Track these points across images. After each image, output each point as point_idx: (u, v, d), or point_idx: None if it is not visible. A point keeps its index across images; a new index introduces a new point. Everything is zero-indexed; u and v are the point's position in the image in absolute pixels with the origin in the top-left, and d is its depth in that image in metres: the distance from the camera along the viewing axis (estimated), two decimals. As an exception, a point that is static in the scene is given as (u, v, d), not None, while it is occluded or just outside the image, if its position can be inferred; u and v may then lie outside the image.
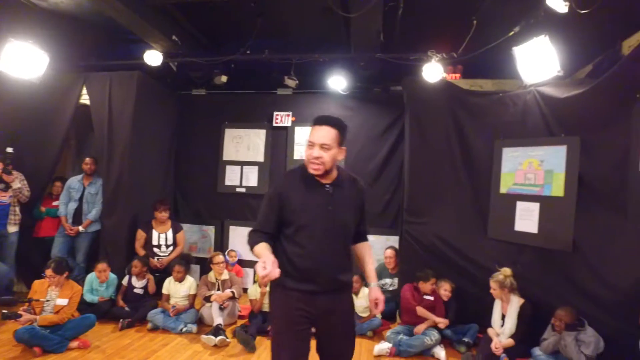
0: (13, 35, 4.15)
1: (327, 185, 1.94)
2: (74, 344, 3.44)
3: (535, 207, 3.71)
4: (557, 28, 3.51)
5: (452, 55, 4.39)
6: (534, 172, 3.78)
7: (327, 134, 1.88)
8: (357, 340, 3.82)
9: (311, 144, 1.90)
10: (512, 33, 3.90)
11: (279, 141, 5.58)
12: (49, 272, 3.50)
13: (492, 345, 3.35)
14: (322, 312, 1.93)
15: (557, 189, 3.56)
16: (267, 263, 1.65)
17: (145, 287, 4.31)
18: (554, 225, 3.53)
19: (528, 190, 3.81)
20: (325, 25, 4.62)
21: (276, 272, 1.65)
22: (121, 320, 3.97)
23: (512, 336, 3.41)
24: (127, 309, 4.16)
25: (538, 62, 3.61)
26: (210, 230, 5.60)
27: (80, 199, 4.77)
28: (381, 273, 4.71)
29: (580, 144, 3.40)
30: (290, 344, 1.90)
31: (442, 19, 4.41)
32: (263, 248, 1.81)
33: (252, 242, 1.88)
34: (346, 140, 1.96)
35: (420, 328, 3.70)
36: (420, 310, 3.82)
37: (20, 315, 3.26)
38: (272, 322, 2.04)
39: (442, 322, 3.74)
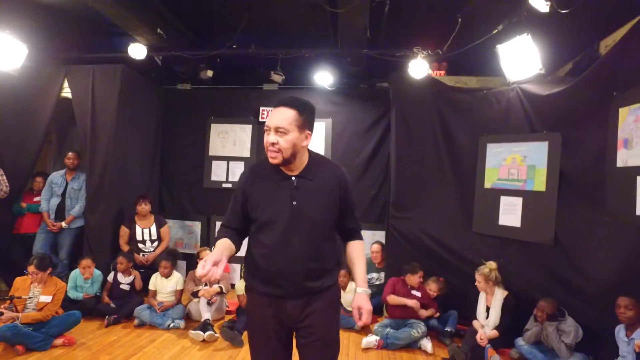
0: (-11, 25, 4.03)
1: (293, 177, 1.71)
2: (59, 341, 3.38)
3: (518, 201, 3.81)
4: (539, 27, 3.60)
5: (437, 52, 4.45)
6: (517, 167, 3.88)
7: (283, 115, 1.65)
8: (345, 334, 3.91)
9: (267, 129, 1.68)
10: (495, 31, 3.97)
11: (266, 136, 5.56)
12: (31, 268, 3.43)
13: (477, 337, 3.44)
14: (294, 320, 1.73)
15: (539, 184, 3.66)
16: (207, 262, 1.46)
17: (131, 284, 4.26)
18: (536, 219, 3.63)
19: (511, 185, 3.91)
20: (312, 20, 4.62)
21: (216, 273, 1.47)
22: (107, 316, 3.92)
23: (496, 327, 3.51)
24: (112, 305, 4.11)
25: (521, 60, 3.70)
26: (197, 226, 5.56)
27: (63, 195, 4.67)
28: (367, 267, 4.76)
29: (561, 140, 3.50)
30: (263, 353, 1.77)
31: (427, 16, 4.46)
32: (218, 245, 1.67)
33: (216, 237, 1.76)
34: (310, 123, 1.71)
35: (422, 313, 3.80)
36: (393, 299, 3.87)
37: (2, 313, 3.19)
38: (247, 326, 1.87)
39: (425, 314, 3.82)
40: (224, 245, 1.67)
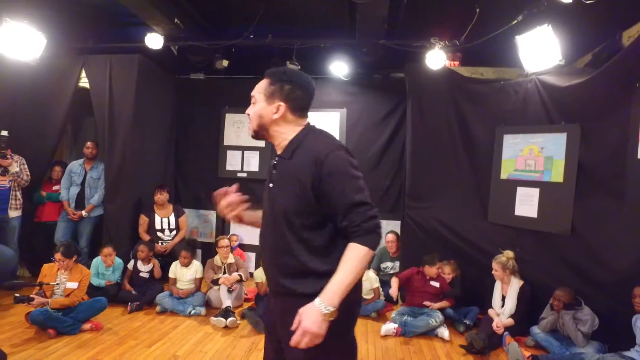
0: (8, 15, 4.04)
1: (277, 157, 1.56)
2: (87, 326, 3.49)
3: (535, 192, 3.85)
4: (560, 17, 3.59)
5: (454, 42, 4.45)
6: (534, 158, 3.91)
7: (257, 85, 1.55)
8: (363, 321, 4.00)
9: None
10: (515, 22, 3.96)
11: (280, 126, 5.59)
12: (58, 256, 3.52)
13: (494, 325, 3.51)
14: (274, 320, 1.55)
15: (557, 175, 3.69)
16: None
17: (150, 272, 4.35)
18: (553, 210, 3.67)
19: (528, 176, 3.94)
20: (329, 11, 4.61)
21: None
22: (130, 303, 4.01)
23: (511, 316, 3.58)
24: (134, 292, 4.20)
25: (540, 51, 3.70)
26: (212, 215, 5.63)
27: (82, 184, 4.74)
28: (382, 256, 4.84)
29: (580, 132, 3.52)
30: (265, 344, 1.67)
31: (445, 7, 4.44)
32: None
33: None
34: (283, 94, 1.50)
35: (433, 306, 3.86)
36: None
37: (33, 299, 3.27)
38: None
39: (436, 307, 3.87)
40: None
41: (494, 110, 4.24)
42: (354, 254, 1.36)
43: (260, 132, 1.56)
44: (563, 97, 3.72)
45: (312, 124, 1.59)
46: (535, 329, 3.48)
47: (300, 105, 1.54)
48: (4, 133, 4.25)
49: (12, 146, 4.31)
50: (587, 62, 4.02)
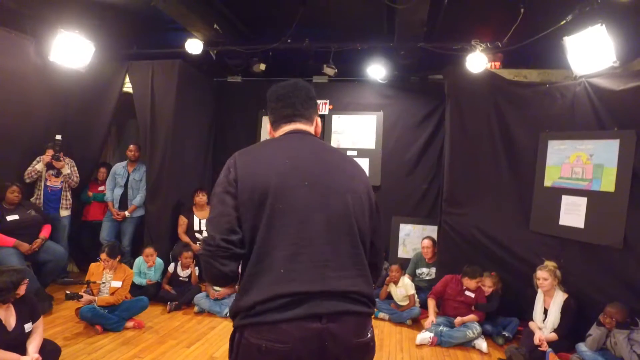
0: (62, 26, 4.26)
1: None
2: (130, 323, 3.64)
3: (582, 201, 3.66)
4: (614, 17, 3.39)
5: (496, 44, 4.29)
6: (582, 166, 3.72)
7: None
8: (397, 329, 3.95)
9: None
10: (564, 22, 3.77)
11: (316, 129, 5.60)
12: (103, 256, 3.68)
13: (536, 339, 3.37)
14: None
15: (608, 183, 3.49)
16: None
17: (189, 276, 4.48)
18: (603, 221, 3.48)
19: (575, 184, 3.75)
20: (367, 14, 4.57)
21: None
22: (169, 302, 4.15)
23: (554, 330, 3.43)
24: (173, 292, 4.34)
25: (591, 52, 3.50)
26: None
27: (125, 185, 4.94)
28: (418, 262, 4.76)
29: (636, 138, 3.31)
30: None
31: (487, 7, 4.30)
32: None
33: None
34: (269, 113, 1.54)
35: (458, 321, 3.75)
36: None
37: (81, 296, 3.45)
38: None
39: (470, 319, 3.75)
40: None
41: (539, 114, 4.06)
42: None
43: None
44: (617, 102, 3.50)
45: (284, 135, 1.50)
46: (582, 347, 3.30)
47: (274, 117, 1.53)
48: (58, 137, 4.50)
49: (63, 149, 4.55)
50: (643, 64, 3.78)
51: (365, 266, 1.42)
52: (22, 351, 2.57)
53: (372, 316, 1.45)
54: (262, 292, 1.26)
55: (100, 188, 5.17)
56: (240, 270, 1.35)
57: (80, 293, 3.46)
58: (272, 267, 1.28)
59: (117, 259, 3.76)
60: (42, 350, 2.65)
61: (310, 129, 1.54)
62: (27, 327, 2.61)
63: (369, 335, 1.38)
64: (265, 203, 1.31)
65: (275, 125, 1.53)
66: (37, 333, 2.68)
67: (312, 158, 1.43)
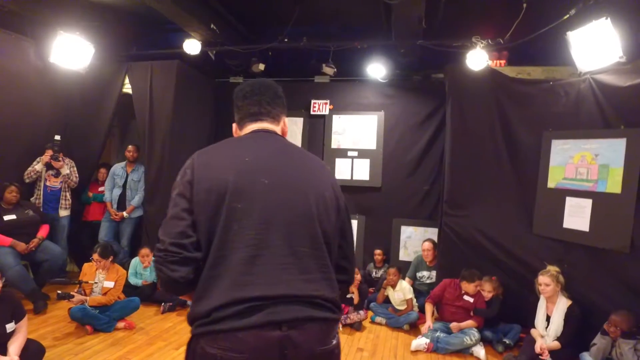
0: (62, 27, 4.30)
1: None
2: (121, 324, 3.63)
3: (587, 203, 3.50)
4: (620, 10, 3.23)
5: (498, 41, 4.16)
6: (586, 166, 3.55)
7: None
8: (394, 334, 3.84)
9: None
10: (567, 16, 3.62)
11: (317, 129, 5.53)
12: (95, 256, 3.68)
13: (537, 347, 3.22)
14: None
15: (614, 185, 3.33)
16: None
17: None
18: (609, 223, 3.31)
19: (579, 186, 3.59)
20: (364, 12, 4.49)
21: None
22: (163, 303, 4.12)
23: (557, 339, 3.27)
24: (168, 293, 4.31)
25: (596, 47, 3.35)
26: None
27: (124, 185, 4.95)
28: (418, 265, 4.64)
29: (643, 137, 3.15)
30: None
31: (488, 3, 4.17)
32: None
33: None
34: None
35: (455, 326, 3.62)
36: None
37: (73, 296, 3.45)
38: None
39: (468, 325, 3.62)
40: None
41: (542, 112, 3.90)
42: None
43: None
44: (624, 99, 3.34)
45: (245, 134, 1.48)
46: (586, 356, 3.14)
47: (239, 116, 1.50)
48: (57, 137, 4.54)
49: (62, 149, 4.59)
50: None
51: (329, 269, 1.34)
52: (3, 352, 2.55)
53: (339, 322, 1.37)
54: (219, 297, 1.19)
55: (101, 188, 5.20)
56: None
57: (72, 293, 3.46)
58: (228, 271, 1.21)
59: (110, 259, 3.74)
60: (24, 351, 2.63)
61: (277, 128, 1.50)
62: (9, 327, 2.60)
63: (334, 342, 1.30)
64: (222, 204, 1.25)
65: (240, 123, 1.50)
66: (21, 333, 2.67)
67: (275, 156, 1.38)
